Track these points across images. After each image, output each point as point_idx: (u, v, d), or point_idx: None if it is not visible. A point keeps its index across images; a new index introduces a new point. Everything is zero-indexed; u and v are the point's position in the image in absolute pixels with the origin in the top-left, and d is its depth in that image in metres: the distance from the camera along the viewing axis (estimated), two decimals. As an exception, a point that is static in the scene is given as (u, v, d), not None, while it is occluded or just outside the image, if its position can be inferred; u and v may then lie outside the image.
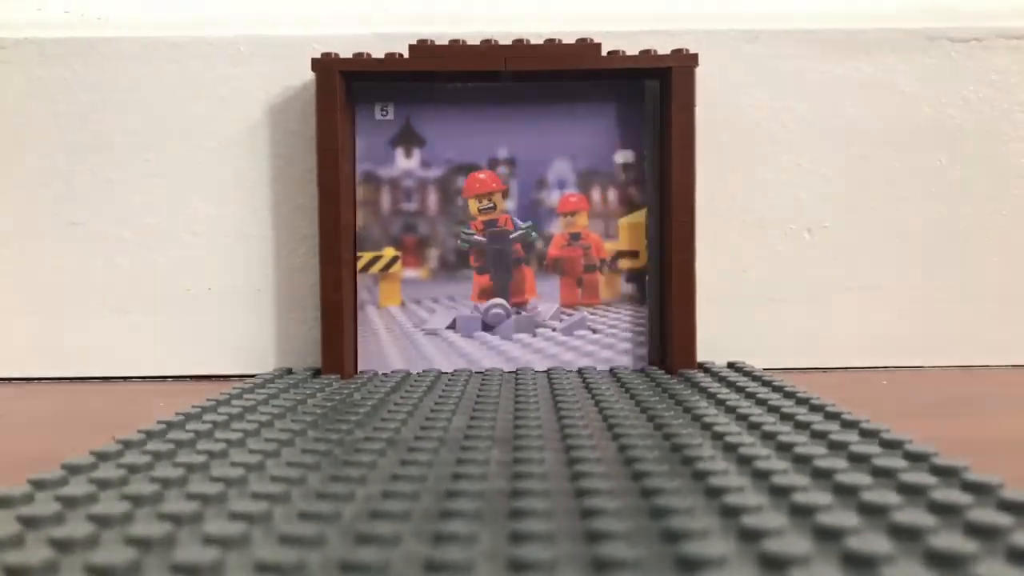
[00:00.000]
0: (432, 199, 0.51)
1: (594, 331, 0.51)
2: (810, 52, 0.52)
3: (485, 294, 0.51)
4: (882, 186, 0.53)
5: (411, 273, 0.51)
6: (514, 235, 0.51)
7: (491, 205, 0.50)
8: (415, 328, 0.51)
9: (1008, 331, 0.53)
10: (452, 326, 0.51)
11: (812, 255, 0.53)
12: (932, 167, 0.53)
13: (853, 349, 0.53)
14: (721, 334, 0.52)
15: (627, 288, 0.52)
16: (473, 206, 0.51)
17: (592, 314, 0.51)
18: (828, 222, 0.53)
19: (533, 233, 0.51)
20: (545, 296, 0.51)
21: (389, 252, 0.51)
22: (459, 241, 0.51)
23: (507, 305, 0.51)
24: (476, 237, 0.50)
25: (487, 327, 0.51)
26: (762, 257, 0.53)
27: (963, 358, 0.53)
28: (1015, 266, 0.53)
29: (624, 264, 0.52)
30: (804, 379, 0.48)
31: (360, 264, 0.51)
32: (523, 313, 0.51)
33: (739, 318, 0.53)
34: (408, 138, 0.51)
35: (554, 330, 0.51)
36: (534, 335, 0.51)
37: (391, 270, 0.51)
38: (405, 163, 0.51)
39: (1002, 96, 0.53)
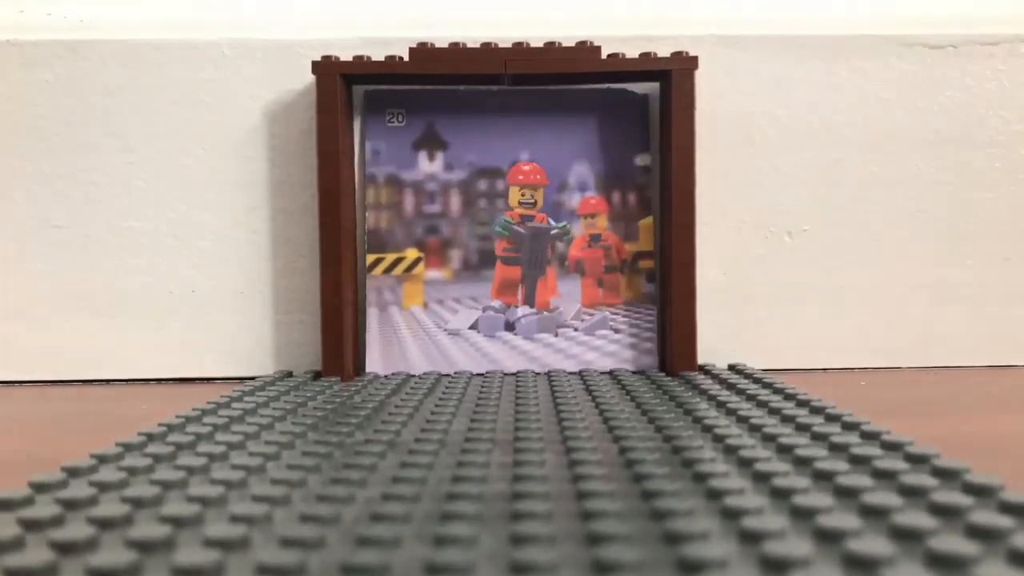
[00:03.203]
0: (455, 201, 0.52)
1: (616, 330, 0.51)
2: (788, 58, 0.53)
3: (507, 286, 0.51)
4: (859, 190, 0.53)
5: (434, 274, 0.52)
6: (553, 231, 0.51)
7: (532, 201, 0.51)
8: (438, 328, 0.51)
9: (986, 333, 0.53)
10: (474, 326, 0.51)
11: (794, 257, 0.53)
12: (909, 171, 0.53)
13: (854, 350, 0.53)
14: (721, 336, 0.52)
15: (647, 288, 0.52)
16: (514, 195, 0.51)
17: (613, 314, 0.52)
18: (807, 225, 0.53)
19: (570, 232, 0.51)
20: (567, 296, 0.52)
21: (412, 253, 0.52)
22: (496, 228, 0.51)
23: (502, 308, 0.51)
24: (516, 227, 0.50)
25: (509, 326, 0.51)
26: (747, 260, 0.53)
27: (964, 358, 0.53)
28: (994, 268, 0.54)
29: (644, 265, 0.52)
30: (805, 380, 0.48)
31: (383, 266, 0.51)
32: (545, 313, 0.51)
33: (740, 319, 0.53)
34: (431, 142, 0.51)
35: (576, 330, 0.51)
36: (556, 335, 0.51)
37: (414, 271, 0.52)
38: (428, 166, 0.52)
39: (977, 102, 0.53)
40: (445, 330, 0.51)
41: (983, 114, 0.53)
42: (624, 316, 0.52)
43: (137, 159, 0.52)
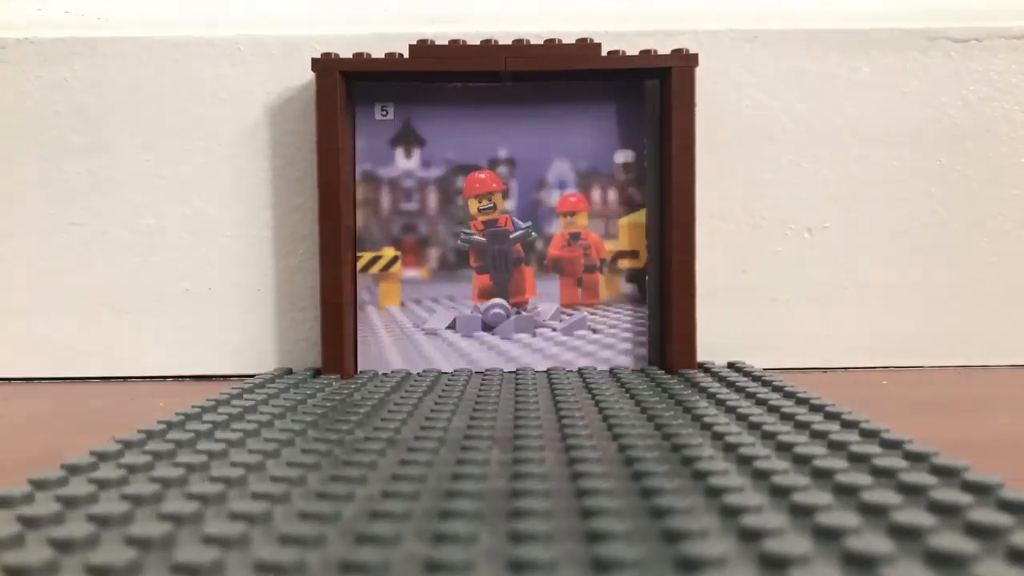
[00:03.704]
0: (432, 199, 0.51)
1: (594, 331, 0.51)
2: (810, 52, 0.52)
3: (485, 294, 0.51)
4: (882, 186, 0.53)
5: (411, 273, 0.52)
6: (514, 235, 0.51)
7: (491, 205, 0.51)
8: (415, 328, 0.51)
9: (1007, 331, 0.53)
10: (452, 326, 0.51)
11: (812, 255, 0.53)
12: (932, 167, 0.53)
13: (854, 349, 0.53)
14: (721, 334, 0.52)
15: (627, 288, 0.52)
16: (473, 206, 0.51)
17: (592, 314, 0.51)
18: (829, 222, 0.53)
19: (533, 233, 0.51)
20: (545, 296, 0.51)
21: (389, 252, 0.51)
22: (459, 241, 0.51)
23: (507, 305, 0.51)
24: (476, 237, 0.50)
25: (487, 327, 0.51)
26: (762, 257, 0.53)
27: (964, 358, 0.53)
28: (1014, 266, 0.53)
29: (624, 264, 0.52)
30: (804, 379, 0.48)
31: (360, 264, 0.51)
32: (523, 313, 0.51)
33: (740, 318, 0.53)
34: (408, 138, 0.51)
35: (554, 330, 0.51)
36: (534, 335, 0.51)
37: (391, 270, 0.51)
38: (405, 163, 0.51)
39: (1002, 96, 0.53)
40: (423, 330, 0.51)
41: (1008, 108, 0.53)
42: (603, 316, 0.51)
43: (154, 155, 0.52)
